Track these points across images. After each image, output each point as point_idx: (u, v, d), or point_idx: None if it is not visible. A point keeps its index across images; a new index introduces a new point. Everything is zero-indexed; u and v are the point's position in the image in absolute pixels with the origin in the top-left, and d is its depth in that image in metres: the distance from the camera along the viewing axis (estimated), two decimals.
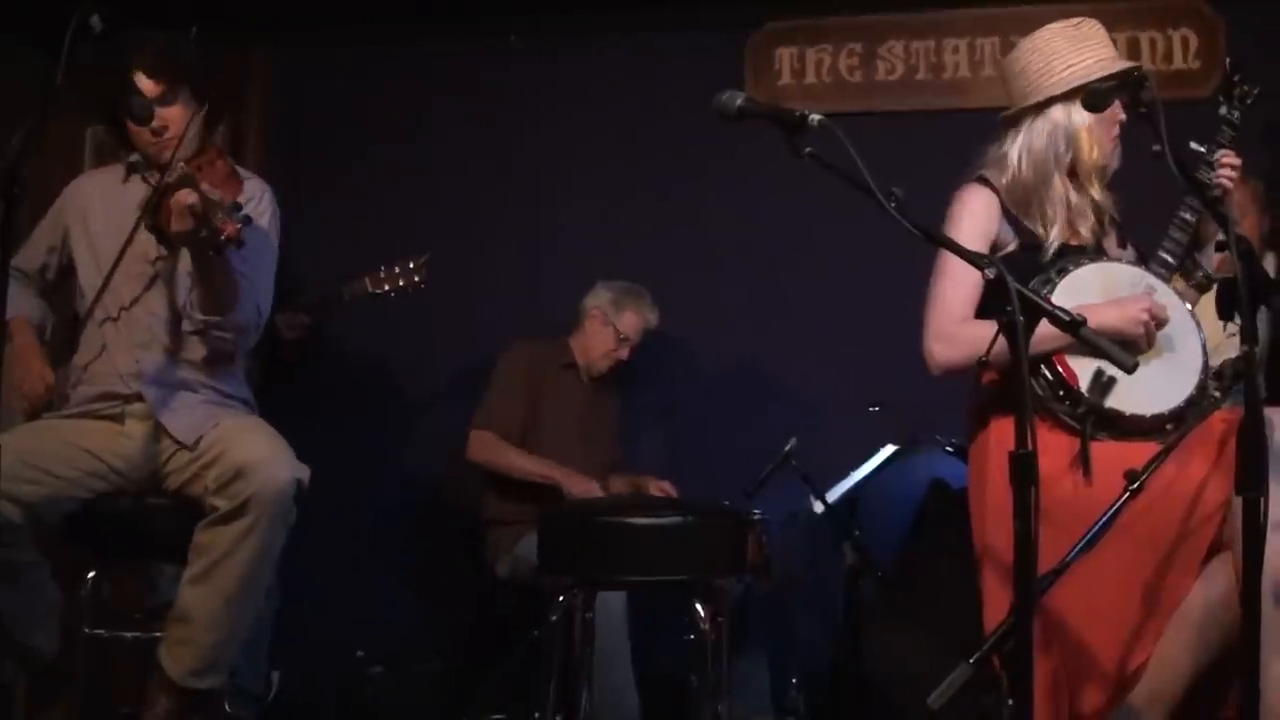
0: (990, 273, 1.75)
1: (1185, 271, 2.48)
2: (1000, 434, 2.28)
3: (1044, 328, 1.81)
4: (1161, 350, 2.31)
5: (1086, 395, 2.24)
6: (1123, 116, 2.39)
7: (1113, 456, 2.16)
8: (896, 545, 3.56)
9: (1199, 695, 2.11)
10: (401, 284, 3.72)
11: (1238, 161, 2.45)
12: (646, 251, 4.12)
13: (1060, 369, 2.25)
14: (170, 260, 2.71)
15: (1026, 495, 1.68)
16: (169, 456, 2.65)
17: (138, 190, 2.73)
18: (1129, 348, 2.19)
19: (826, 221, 3.82)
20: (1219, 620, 2.05)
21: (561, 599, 2.57)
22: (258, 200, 2.79)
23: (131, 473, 2.66)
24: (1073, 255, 2.37)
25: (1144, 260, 2.43)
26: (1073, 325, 1.76)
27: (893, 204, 1.79)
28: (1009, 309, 1.70)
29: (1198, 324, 2.35)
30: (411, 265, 3.72)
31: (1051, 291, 2.27)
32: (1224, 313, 2.19)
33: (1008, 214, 2.42)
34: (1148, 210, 2.53)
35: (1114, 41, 2.48)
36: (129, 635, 2.92)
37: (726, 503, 2.95)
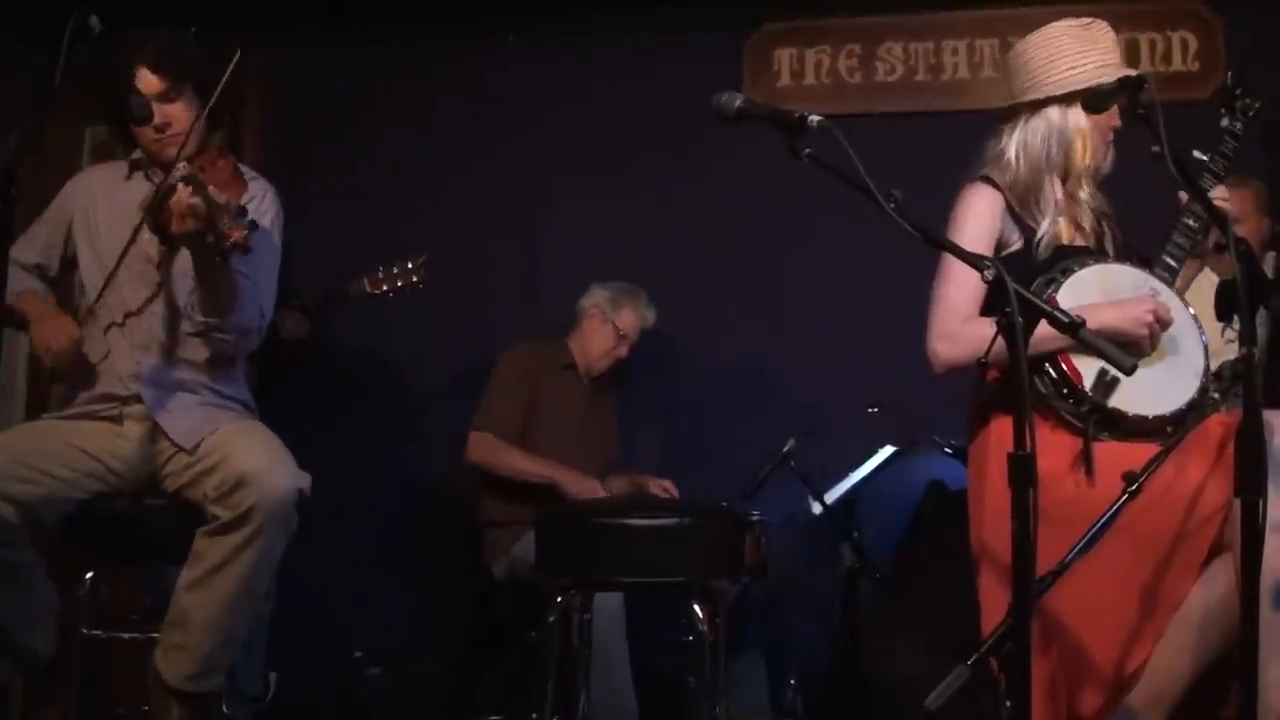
0: (989, 274, 1.75)
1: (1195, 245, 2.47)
2: (1001, 433, 2.27)
3: (1045, 327, 1.81)
4: (1165, 352, 2.31)
5: (1090, 394, 2.24)
6: (1118, 122, 2.39)
7: (1113, 457, 2.16)
8: (895, 546, 3.57)
9: (1198, 697, 2.11)
10: (400, 284, 3.72)
11: (1226, 194, 2.45)
12: (646, 252, 4.13)
13: (1065, 367, 2.25)
14: (171, 260, 2.70)
15: (1025, 497, 1.68)
16: (167, 459, 2.64)
17: (140, 188, 2.72)
18: (1132, 349, 2.20)
19: (826, 222, 3.83)
20: (1219, 622, 2.05)
21: (559, 600, 2.57)
22: (260, 200, 2.77)
23: (129, 474, 2.65)
24: (1077, 256, 2.37)
25: (1146, 264, 2.43)
26: (1071, 327, 1.76)
27: (892, 205, 1.79)
28: (1008, 310, 1.70)
29: (1200, 327, 2.35)
30: (410, 265, 3.72)
31: (1056, 291, 2.28)
32: (1223, 314, 2.20)
33: (1012, 212, 2.42)
34: (1147, 211, 2.53)
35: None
36: (126, 636, 2.91)
37: (724, 504, 2.94)
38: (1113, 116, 2.39)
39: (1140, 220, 2.57)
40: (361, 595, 4.07)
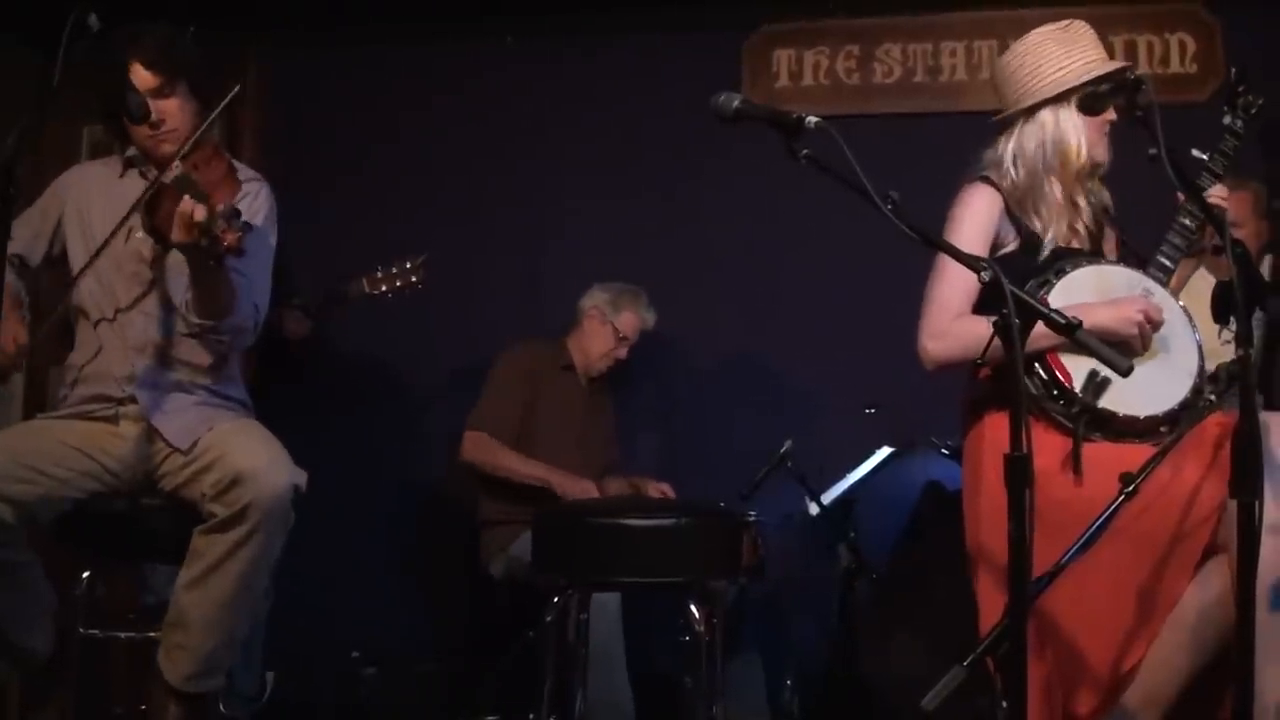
0: (985, 275, 1.76)
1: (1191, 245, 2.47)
2: (995, 432, 2.28)
3: (1040, 326, 1.81)
4: (1157, 352, 2.31)
5: (1080, 395, 2.24)
6: (1113, 117, 2.40)
7: (1106, 457, 2.16)
8: (892, 547, 3.57)
9: (1194, 697, 2.12)
10: (399, 285, 3.72)
11: (1225, 193, 2.46)
12: (644, 252, 4.13)
13: (1055, 369, 2.26)
14: (164, 259, 2.70)
15: (1021, 498, 1.68)
16: (163, 458, 2.64)
17: (135, 186, 2.70)
18: (1123, 349, 2.20)
19: (823, 223, 3.83)
20: (1214, 622, 2.05)
21: (556, 600, 2.57)
22: (254, 196, 2.76)
23: (125, 473, 2.65)
24: (1070, 257, 2.38)
25: (1143, 264, 2.44)
26: (1068, 328, 1.76)
27: (889, 206, 1.79)
28: (1004, 311, 1.70)
29: (1195, 327, 2.35)
30: (409, 266, 3.72)
31: (1049, 292, 2.28)
32: (1219, 316, 2.20)
33: (1010, 213, 2.42)
34: (1147, 210, 2.54)
35: (1110, 45, 2.48)
36: (123, 635, 2.91)
37: (722, 504, 2.94)
38: (1107, 112, 2.39)
39: (1139, 219, 2.57)
40: (359, 595, 4.07)
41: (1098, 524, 1.97)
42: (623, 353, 3.81)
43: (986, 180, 2.45)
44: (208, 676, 2.53)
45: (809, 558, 3.71)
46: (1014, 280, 1.76)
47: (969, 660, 1.82)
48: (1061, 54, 2.39)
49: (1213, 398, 2.26)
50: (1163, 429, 2.23)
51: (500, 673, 3.51)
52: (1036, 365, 2.27)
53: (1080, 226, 2.42)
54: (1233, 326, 1.92)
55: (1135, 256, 2.50)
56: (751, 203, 4.16)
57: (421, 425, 4.29)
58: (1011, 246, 2.42)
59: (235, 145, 4.25)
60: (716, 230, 4.22)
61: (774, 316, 4.15)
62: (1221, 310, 2.09)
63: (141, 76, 2.64)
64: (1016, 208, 2.42)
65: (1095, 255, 2.42)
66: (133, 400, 2.66)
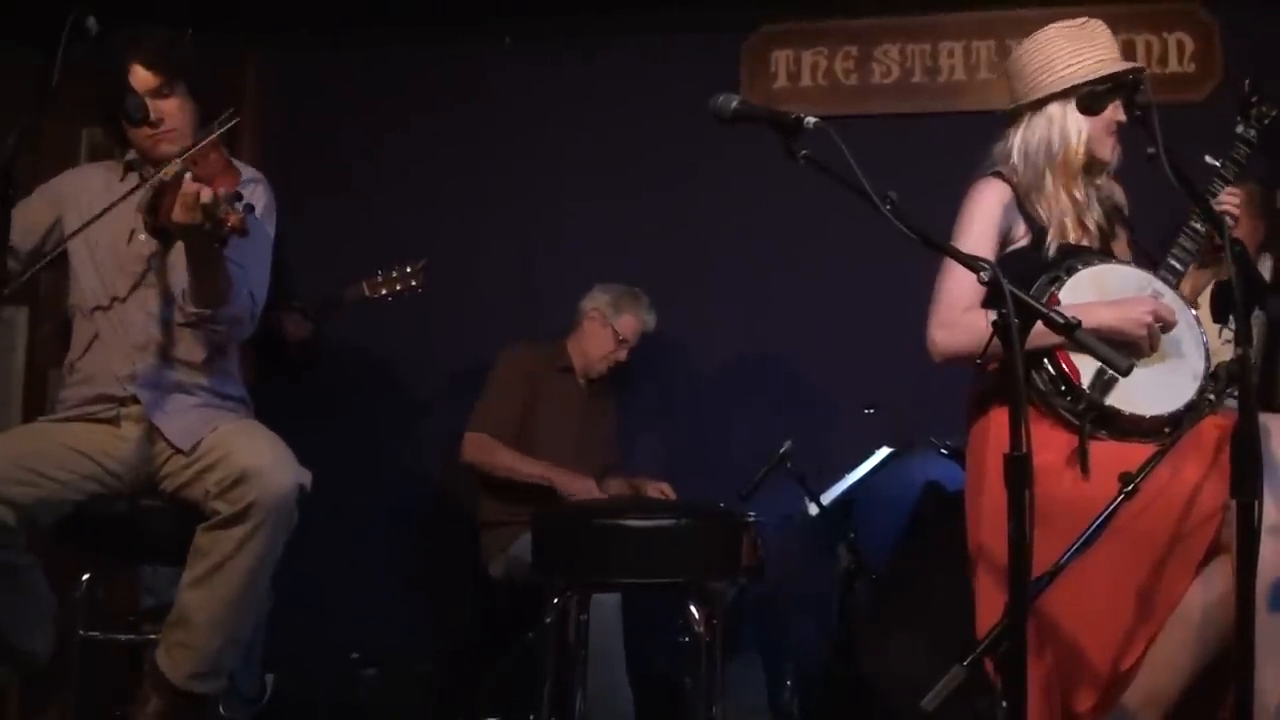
0: (984, 275, 1.76)
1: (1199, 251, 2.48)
2: (1000, 427, 2.27)
3: (1042, 324, 1.81)
4: (1165, 354, 2.31)
5: (1088, 392, 2.24)
6: (1122, 117, 2.39)
7: (1110, 456, 2.17)
8: (891, 547, 3.57)
9: (1194, 698, 2.12)
10: (399, 288, 3.72)
11: (1238, 199, 2.47)
12: (644, 253, 4.13)
13: (1063, 364, 2.26)
14: (165, 256, 2.70)
15: (1021, 497, 1.68)
16: (165, 460, 2.64)
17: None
18: (1130, 349, 2.20)
19: (822, 224, 3.83)
20: (1216, 622, 2.05)
21: (556, 600, 2.57)
22: (252, 191, 2.77)
23: (127, 475, 2.65)
24: (1081, 255, 2.38)
25: (1154, 265, 2.44)
26: (1067, 328, 1.77)
27: (888, 206, 1.79)
28: (1003, 311, 1.71)
29: (1202, 330, 2.36)
30: (409, 269, 3.72)
31: (1060, 289, 2.29)
32: (1219, 315, 2.20)
33: (1022, 207, 2.43)
34: (1146, 210, 2.54)
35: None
36: (123, 638, 2.92)
37: (721, 505, 2.94)
38: (1116, 111, 2.39)
39: (1148, 220, 2.57)
40: (359, 595, 4.07)
41: (1097, 524, 1.97)
42: (622, 355, 3.81)
43: (998, 175, 2.45)
44: (211, 677, 2.52)
45: (809, 558, 3.71)
46: (1025, 275, 1.76)
47: (969, 660, 1.82)
48: (1074, 50, 2.40)
49: (1212, 397, 2.27)
50: (1167, 429, 2.23)
51: (500, 673, 3.51)
52: (1045, 361, 2.28)
53: (1090, 224, 2.42)
54: (1232, 325, 1.92)
55: (1147, 257, 2.50)
56: (750, 203, 4.16)
57: (421, 425, 4.29)
58: (1023, 241, 2.43)
59: (235, 145, 4.24)
60: (715, 231, 4.22)
61: (773, 317, 4.15)
62: (1221, 309, 2.10)
63: (141, 77, 2.65)
64: (1026, 202, 2.43)
65: (1106, 254, 2.43)
66: (134, 400, 2.66)
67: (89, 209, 2.74)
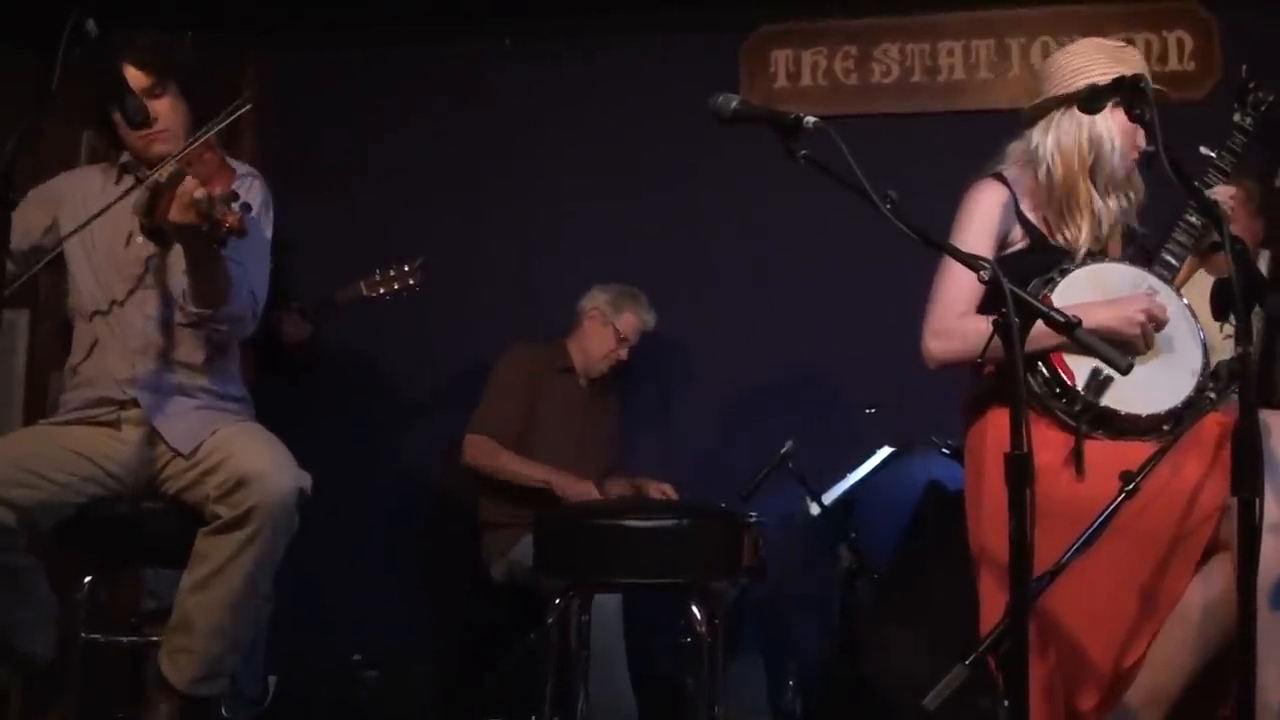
0: (985, 275, 1.76)
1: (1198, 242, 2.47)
2: (998, 429, 2.28)
3: (1042, 325, 1.81)
4: (1161, 351, 2.31)
5: (1082, 393, 2.24)
6: (1142, 143, 2.37)
7: (1109, 455, 2.17)
8: (893, 547, 3.57)
9: (1196, 696, 2.12)
10: (397, 287, 3.72)
11: (1232, 192, 2.46)
12: (644, 253, 4.13)
13: (1057, 367, 2.26)
14: (163, 258, 2.70)
15: (1021, 496, 1.68)
16: (166, 463, 2.64)
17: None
18: (1125, 348, 2.20)
19: (823, 224, 3.83)
20: (1218, 620, 2.05)
21: (557, 601, 2.57)
22: (248, 188, 2.76)
23: (127, 478, 2.65)
24: (1072, 254, 2.38)
25: (1149, 262, 2.44)
26: (1067, 327, 1.76)
27: (888, 206, 1.79)
28: (1003, 310, 1.70)
29: (1200, 326, 2.35)
30: (407, 268, 3.72)
31: (1052, 290, 2.28)
32: (1219, 313, 2.20)
33: (1019, 211, 2.42)
34: (1147, 209, 2.54)
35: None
36: (125, 640, 2.92)
37: (722, 505, 2.95)
38: (1139, 135, 2.36)
39: (1146, 218, 2.57)
40: (360, 597, 4.07)
41: (1098, 523, 1.97)
42: (623, 354, 3.81)
43: (997, 177, 2.44)
44: (213, 680, 2.52)
45: (810, 558, 3.71)
46: (1019, 279, 1.75)
47: (971, 659, 1.82)
48: (1109, 62, 2.37)
49: (1213, 395, 2.26)
50: (1165, 427, 2.23)
51: (501, 675, 3.51)
52: (1039, 364, 2.27)
53: (1102, 230, 2.41)
54: (1233, 323, 1.92)
55: (1143, 253, 2.49)
56: (751, 203, 4.16)
57: (421, 426, 4.29)
58: (1020, 245, 2.42)
59: (235, 145, 4.24)
60: (715, 231, 4.22)
61: (773, 317, 4.15)
62: (1221, 307, 2.10)
63: (133, 76, 2.65)
64: (1035, 205, 2.42)
65: (1100, 254, 2.42)
66: (135, 403, 2.66)
67: (85, 211, 2.73)
